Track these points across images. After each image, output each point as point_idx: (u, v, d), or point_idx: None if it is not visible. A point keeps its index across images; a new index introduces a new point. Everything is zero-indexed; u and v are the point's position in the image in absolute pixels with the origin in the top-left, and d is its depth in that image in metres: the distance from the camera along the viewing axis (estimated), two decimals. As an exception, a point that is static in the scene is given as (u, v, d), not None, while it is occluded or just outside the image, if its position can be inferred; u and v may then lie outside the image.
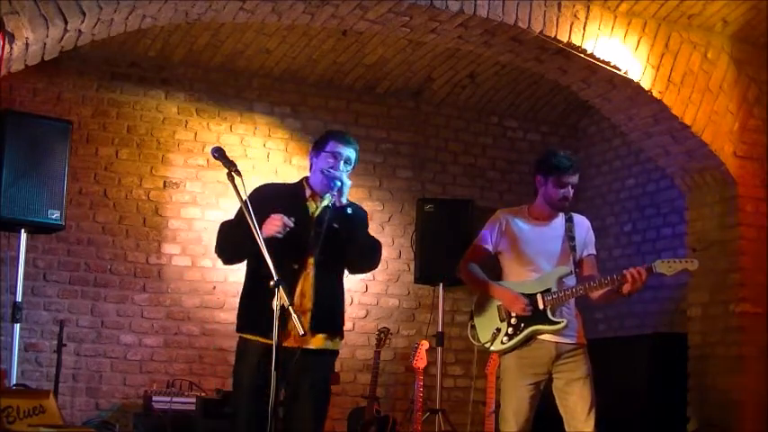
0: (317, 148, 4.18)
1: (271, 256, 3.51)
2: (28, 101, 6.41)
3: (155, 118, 6.84)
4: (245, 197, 3.57)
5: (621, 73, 5.76)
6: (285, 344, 3.74)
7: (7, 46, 4.58)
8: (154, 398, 5.97)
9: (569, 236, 4.51)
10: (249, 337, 3.99)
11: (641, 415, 6.11)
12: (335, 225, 3.99)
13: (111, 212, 6.64)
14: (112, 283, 6.58)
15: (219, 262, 4.21)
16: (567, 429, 4.41)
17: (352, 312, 6.98)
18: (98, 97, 6.70)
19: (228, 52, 6.83)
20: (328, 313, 4.06)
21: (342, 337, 4.16)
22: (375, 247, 4.22)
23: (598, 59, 5.69)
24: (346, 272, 4.22)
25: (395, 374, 7.20)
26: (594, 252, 4.62)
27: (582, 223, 4.62)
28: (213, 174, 6.79)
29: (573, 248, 4.50)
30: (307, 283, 3.98)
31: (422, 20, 5.43)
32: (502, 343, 4.44)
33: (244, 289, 4.14)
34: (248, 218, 3.51)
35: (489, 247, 4.58)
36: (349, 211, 4.05)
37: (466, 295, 7.07)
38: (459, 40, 5.74)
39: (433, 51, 6.91)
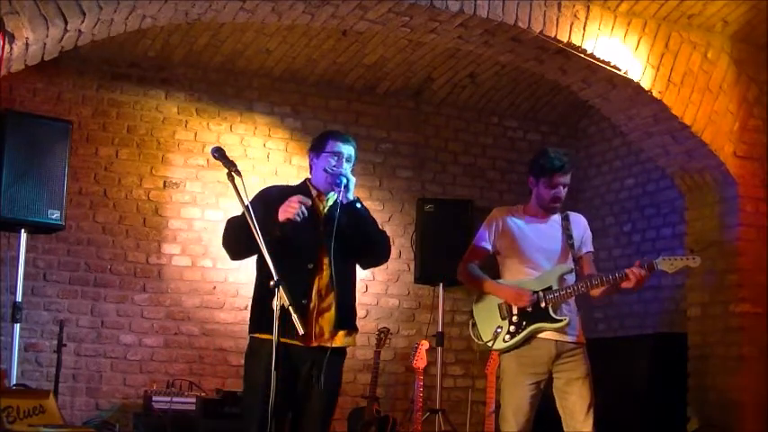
0: (317, 148, 4.17)
1: (285, 257, 3.53)
2: (28, 101, 6.41)
3: (155, 118, 6.84)
4: (245, 197, 3.56)
5: (621, 73, 5.76)
6: (310, 343, 3.89)
7: (7, 46, 4.58)
8: (154, 398, 5.96)
9: (567, 234, 4.52)
10: (264, 336, 3.89)
11: (641, 415, 6.11)
12: (346, 221, 3.98)
13: (111, 212, 6.64)
14: (112, 283, 6.58)
15: (219, 262, 4.23)
16: (565, 429, 4.41)
17: (352, 312, 7.00)
18: (98, 97, 6.70)
19: (228, 52, 6.83)
20: (349, 312, 4.08)
21: (357, 331, 4.18)
22: (385, 240, 4.23)
23: (598, 59, 5.69)
24: (358, 267, 4.23)
25: (395, 374, 7.20)
26: (592, 249, 4.63)
27: (579, 221, 4.62)
28: (213, 174, 6.79)
29: (571, 246, 4.50)
30: (323, 281, 3.98)
31: (422, 20, 5.43)
32: (504, 341, 4.43)
33: (255, 292, 4.12)
34: (250, 222, 3.49)
35: (488, 245, 4.58)
36: (358, 206, 4.05)
37: (466, 295, 7.07)
38: (459, 40, 5.74)
39: (433, 51, 6.91)
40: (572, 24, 5.58)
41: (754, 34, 6.05)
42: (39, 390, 5.14)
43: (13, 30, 4.60)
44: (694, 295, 6.20)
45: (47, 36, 4.76)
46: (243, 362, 4.11)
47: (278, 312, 3.41)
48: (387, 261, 4.38)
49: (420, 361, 5.92)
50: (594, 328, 7.44)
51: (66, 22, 4.73)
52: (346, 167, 4.09)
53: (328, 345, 3.95)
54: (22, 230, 5.45)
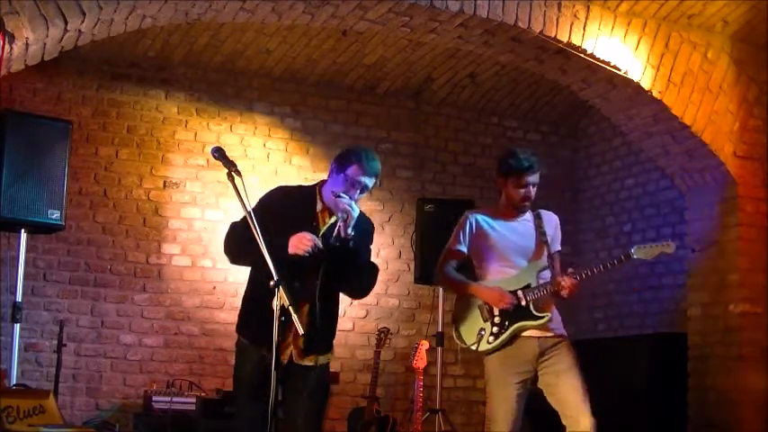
0: (340, 167, 4.01)
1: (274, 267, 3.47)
2: (28, 101, 6.41)
3: (155, 118, 6.84)
4: (245, 197, 3.55)
5: (621, 73, 5.76)
6: (282, 357, 3.76)
7: (7, 46, 4.58)
8: (154, 398, 5.96)
9: (540, 231, 4.52)
10: (246, 342, 3.99)
11: (641, 415, 6.11)
12: (337, 251, 3.88)
13: (111, 212, 6.64)
14: (112, 283, 6.58)
15: (219, 262, 4.23)
16: (563, 422, 4.34)
17: (352, 312, 6.99)
18: (98, 97, 6.70)
19: (228, 52, 6.83)
20: (322, 338, 3.96)
21: (332, 350, 4.12)
22: (371, 275, 4.16)
23: (598, 59, 5.69)
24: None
25: (395, 374, 7.20)
26: (560, 248, 4.62)
27: (551, 219, 4.62)
28: (213, 174, 6.79)
29: (545, 242, 4.50)
30: (304, 309, 3.86)
31: (422, 20, 5.43)
32: (488, 343, 4.42)
33: (244, 295, 4.13)
34: (252, 226, 3.48)
35: (463, 248, 4.57)
36: (351, 244, 3.91)
37: (466, 295, 7.06)
38: (459, 40, 5.74)
39: (433, 51, 6.91)
40: (572, 24, 5.58)
41: (754, 34, 6.06)
42: (39, 390, 5.15)
43: (13, 30, 4.60)
44: (694, 295, 6.20)
45: (47, 36, 4.76)
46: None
47: (278, 312, 3.41)
48: (367, 295, 4.31)
49: (420, 361, 5.91)
50: (594, 328, 7.45)
51: (66, 22, 4.73)
52: (358, 196, 4.00)
53: (300, 363, 3.91)
54: (22, 230, 5.44)
